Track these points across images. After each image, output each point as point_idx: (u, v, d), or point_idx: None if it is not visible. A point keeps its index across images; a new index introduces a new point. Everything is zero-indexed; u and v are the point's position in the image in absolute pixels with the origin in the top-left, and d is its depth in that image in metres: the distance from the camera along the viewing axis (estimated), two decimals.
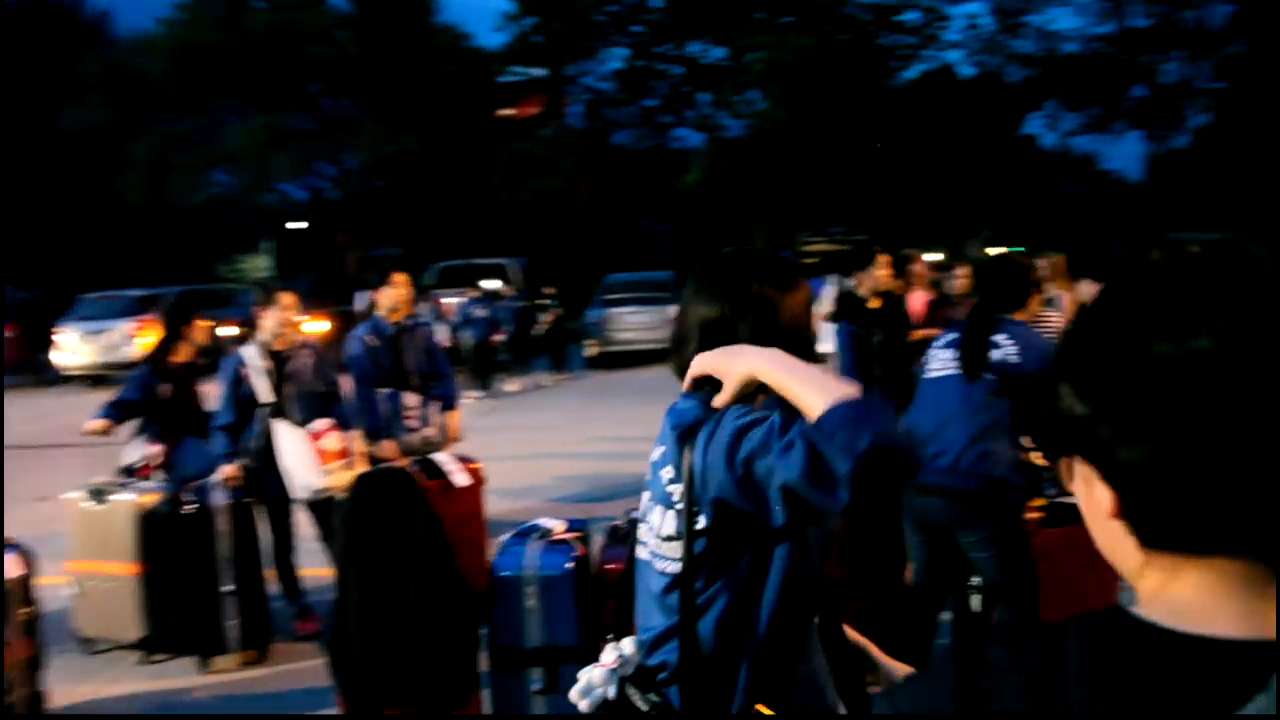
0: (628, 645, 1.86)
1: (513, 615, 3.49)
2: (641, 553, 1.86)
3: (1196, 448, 0.70)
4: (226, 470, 4.88)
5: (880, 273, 5.44)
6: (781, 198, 25.86)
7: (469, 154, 25.55)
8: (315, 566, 5.21)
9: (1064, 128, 30.29)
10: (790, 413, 1.48)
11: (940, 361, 3.50)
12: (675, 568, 1.73)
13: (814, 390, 1.43)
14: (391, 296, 5.54)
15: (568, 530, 3.72)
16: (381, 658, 3.52)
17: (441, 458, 5.05)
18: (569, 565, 3.54)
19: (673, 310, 14.47)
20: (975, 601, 3.83)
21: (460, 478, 4.93)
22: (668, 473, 1.75)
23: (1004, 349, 3.34)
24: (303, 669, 4.69)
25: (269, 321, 5.12)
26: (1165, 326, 0.72)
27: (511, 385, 15.17)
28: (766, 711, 1.66)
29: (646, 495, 1.87)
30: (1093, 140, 32.90)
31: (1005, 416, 3.33)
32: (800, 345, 1.76)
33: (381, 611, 3.51)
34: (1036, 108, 30.31)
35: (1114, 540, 0.80)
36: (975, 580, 3.77)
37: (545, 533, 3.67)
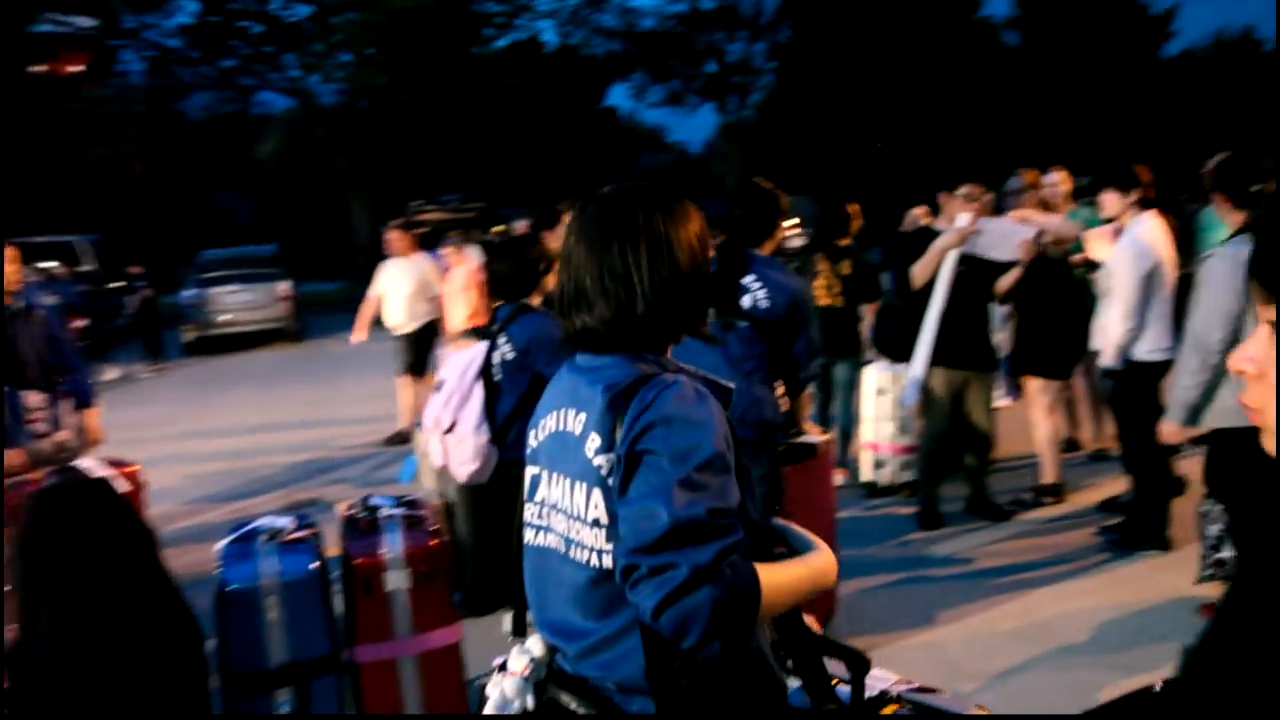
0: (536, 647, 1.61)
1: (251, 633, 2.99)
2: (544, 539, 1.60)
3: None
4: None
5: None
6: (383, 165, 24.97)
7: (10, 115, 21.78)
8: None
9: (650, 100, 32.39)
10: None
11: None
12: (606, 560, 1.48)
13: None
14: None
15: (299, 527, 3.25)
16: (84, 697, 2.85)
17: (87, 464, 4.22)
18: (314, 566, 3.10)
19: (282, 287, 13.45)
20: None
21: (118, 485, 4.15)
22: (594, 442, 1.49)
23: (753, 292, 3.38)
24: None
25: None
26: None
27: (110, 374, 13.25)
28: None
29: (541, 472, 1.62)
30: (673, 113, 35.49)
31: (764, 358, 3.39)
32: (704, 284, 1.61)
33: (81, 646, 2.83)
34: (622, 80, 32.06)
35: None
36: None
37: (275, 533, 3.17)
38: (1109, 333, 4.54)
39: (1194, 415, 3.64)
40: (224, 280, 15.98)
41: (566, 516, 1.54)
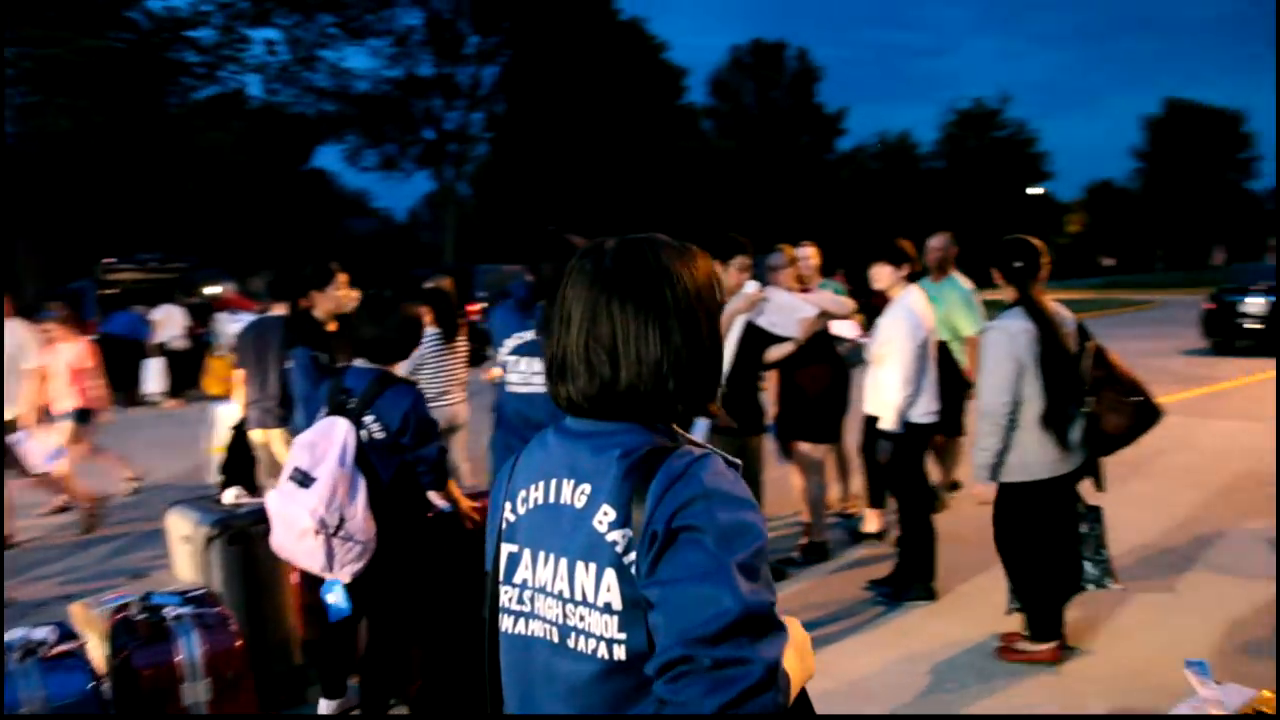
0: None
1: None
2: (527, 627, 1.38)
3: None
4: None
5: (343, 293, 4.99)
6: (65, 217, 22.44)
7: None
8: None
9: (364, 164, 31.52)
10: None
11: (520, 375, 3.31)
12: (618, 651, 1.27)
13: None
14: None
15: (60, 638, 2.70)
16: None
17: None
18: (91, 686, 2.57)
19: None
20: None
21: None
22: (607, 515, 1.29)
23: None
24: None
25: None
26: None
27: None
28: None
29: (522, 551, 1.40)
30: (383, 179, 34.82)
31: None
32: (720, 353, 1.46)
33: None
34: (336, 142, 31.02)
35: None
36: None
37: (33, 646, 2.61)
38: (888, 398, 4.82)
39: (994, 473, 3.93)
40: None
41: (561, 601, 1.33)
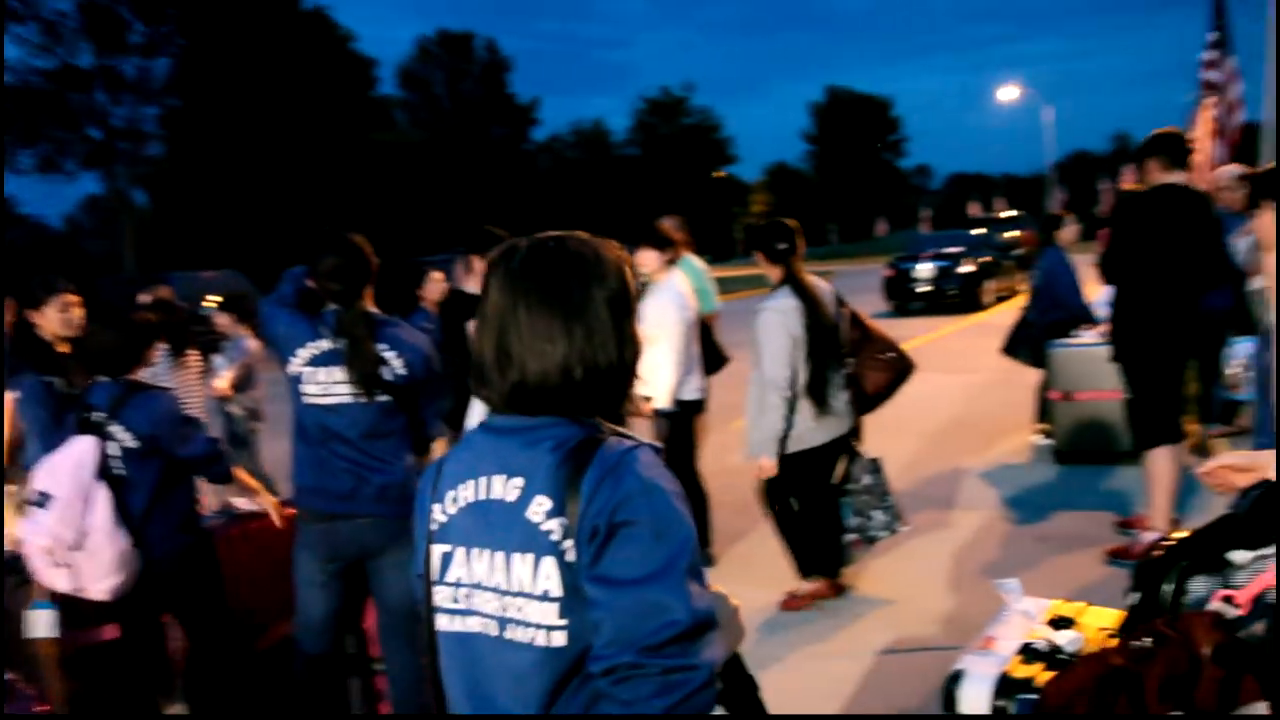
0: None
1: None
2: (465, 624, 1.39)
3: None
4: None
5: (73, 313, 4.43)
6: None
7: None
8: None
9: (19, 166, 27.70)
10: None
11: (319, 386, 3.10)
12: (557, 638, 1.30)
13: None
14: None
15: None
16: None
17: None
18: None
19: None
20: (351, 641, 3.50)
21: None
22: (542, 505, 1.31)
23: (391, 364, 3.11)
24: None
25: None
26: None
27: None
28: None
29: (454, 550, 1.40)
30: (43, 181, 31.00)
31: (406, 430, 3.15)
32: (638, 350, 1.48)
33: None
34: None
35: None
36: None
37: None
38: (660, 378, 4.97)
39: (782, 444, 4.16)
40: None
41: (499, 594, 1.35)
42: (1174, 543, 2.16)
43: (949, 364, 11.16)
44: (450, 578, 1.41)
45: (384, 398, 3.07)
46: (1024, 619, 2.41)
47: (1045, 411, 6.90)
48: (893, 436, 7.73)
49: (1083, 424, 6.43)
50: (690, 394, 5.01)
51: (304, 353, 3.10)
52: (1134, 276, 4.66)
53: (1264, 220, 2.91)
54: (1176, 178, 4.66)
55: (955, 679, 2.23)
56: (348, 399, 3.06)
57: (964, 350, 12.64)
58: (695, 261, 6.58)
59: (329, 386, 3.08)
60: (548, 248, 1.41)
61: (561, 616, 1.30)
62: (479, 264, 5.30)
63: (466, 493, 1.40)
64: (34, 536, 2.96)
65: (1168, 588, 2.04)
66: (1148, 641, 1.31)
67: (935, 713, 2.30)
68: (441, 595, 1.42)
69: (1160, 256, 4.56)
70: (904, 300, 18.79)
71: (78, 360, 4.00)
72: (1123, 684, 1.27)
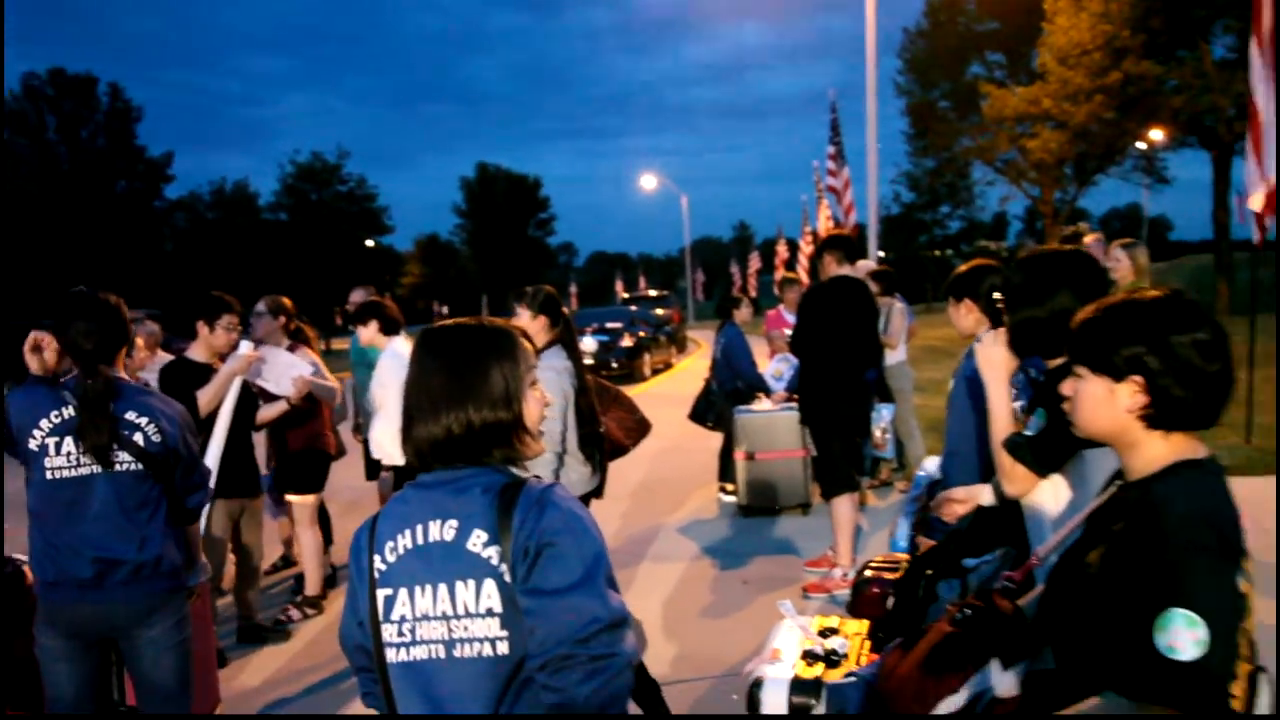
0: None
1: None
2: (413, 654, 1.65)
3: (1203, 389, 1.61)
4: None
5: None
6: None
7: None
8: None
9: None
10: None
11: (66, 459, 2.95)
12: (501, 647, 1.61)
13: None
14: None
15: None
16: None
17: None
18: None
19: None
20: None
21: None
22: (479, 537, 1.62)
23: (141, 429, 2.98)
24: None
25: None
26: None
27: None
28: None
29: (397, 591, 1.66)
30: None
31: (161, 498, 3.05)
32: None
33: None
34: None
35: (1119, 421, 1.63)
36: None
37: None
38: (389, 437, 5.12)
39: None
40: None
41: (445, 619, 1.62)
42: (919, 558, 2.78)
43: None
44: (394, 615, 1.66)
45: (135, 466, 2.98)
46: (800, 631, 2.91)
47: (727, 470, 7.76)
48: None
49: (763, 480, 7.31)
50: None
51: (45, 424, 2.95)
52: (819, 352, 5.52)
53: (958, 315, 3.54)
54: (848, 270, 5.61)
55: (757, 685, 2.67)
56: (96, 468, 2.94)
57: None
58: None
59: (77, 457, 2.94)
60: (458, 330, 1.76)
61: (503, 628, 1.60)
62: (205, 330, 5.11)
63: (405, 541, 1.66)
64: None
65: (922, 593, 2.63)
66: (967, 613, 1.80)
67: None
68: (389, 632, 1.66)
69: (839, 336, 5.45)
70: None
71: None
72: (954, 644, 1.74)
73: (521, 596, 1.58)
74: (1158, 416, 1.61)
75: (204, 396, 4.79)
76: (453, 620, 1.62)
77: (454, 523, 1.63)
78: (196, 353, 5.07)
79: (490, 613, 1.60)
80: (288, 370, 5.28)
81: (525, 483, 1.67)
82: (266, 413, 5.36)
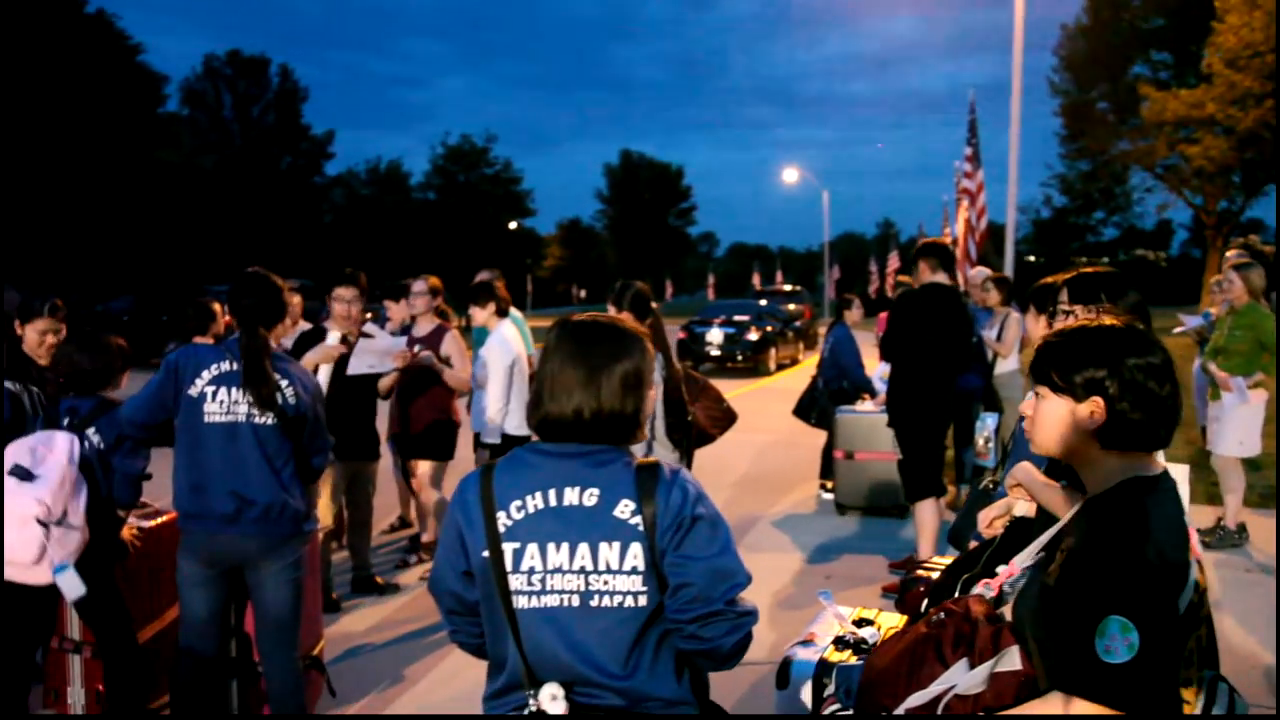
0: (555, 695, 1.84)
1: None
2: (543, 601, 1.86)
3: (1156, 412, 1.72)
4: None
5: (49, 340, 4.34)
6: None
7: None
8: None
9: None
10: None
11: (218, 405, 3.38)
12: (641, 600, 1.85)
13: None
14: None
15: None
16: None
17: None
18: None
19: None
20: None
21: None
22: (627, 506, 1.85)
23: (283, 390, 3.41)
24: None
25: None
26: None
27: None
28: None
29: (525, 545, 1.86)
30: None
31: (292, 455, 3.46)
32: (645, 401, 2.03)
33: None
34: None
35: (1076, 439, 1.75)
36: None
37: None
38: (488, 413, 5.50)
39: None
40: None
41: (583, 574, 1.84)
42: (955, 562, 2.92)
43: (740, 423, 12.09)
44: (523, 567, 1.86)
45: (274, 421, 3.40)
46: (836, 619, 3.08)
47: (828, 468, 7.86)
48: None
49: (860, 480, 7.39)
50: (514, 429, 5.53)
51: (206, 374, 3.39)
52: (907, 358, 5.60)
53: (1034, 325, 3.63)
54: (941, 278, 5.65)
55: (787, 663, 2.87)
56: (243, 417, 3.37)
57: (754, 411, 13.70)
58: (515, 312, 7.11)
59: (230, 405, 3.38)
60: (597, 324, 1.99)
61: (644, 585, 1.84)
62: (338, 307, 5.51)
63: (535, 501, 1.88)
64: (20, 504, 3.17)
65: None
66: (941, 615, 1.95)
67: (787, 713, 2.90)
68: (517, 581, 1.86)
69: (927, 343, 5.52)
70: (696, 361, 19.95)
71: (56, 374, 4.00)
72: (928, 643, 1.90)
73: (674, 559, 1.83)
74: (1113, 436, 1.74)
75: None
76: (591, 575, 1.84)
77: (595, 490, 1.86)
78: (339, 327, 5.49)
79: (635, 570, 1.84)
80: (386, 353, 5.49)
81: (659, 464, 1.91)
82: (386, 382, 5.74)
